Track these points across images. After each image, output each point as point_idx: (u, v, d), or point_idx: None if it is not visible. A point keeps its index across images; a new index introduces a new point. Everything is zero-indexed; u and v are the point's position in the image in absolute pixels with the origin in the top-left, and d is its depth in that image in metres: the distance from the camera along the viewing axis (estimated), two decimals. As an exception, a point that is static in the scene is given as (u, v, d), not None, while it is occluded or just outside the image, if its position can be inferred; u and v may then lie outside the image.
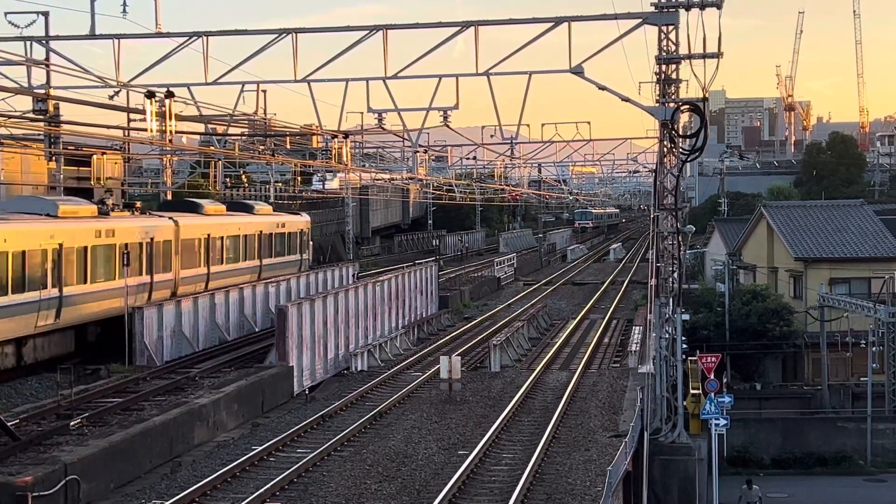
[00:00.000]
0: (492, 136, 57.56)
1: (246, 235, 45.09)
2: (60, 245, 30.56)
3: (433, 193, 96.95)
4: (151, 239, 36.45)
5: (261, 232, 46.79)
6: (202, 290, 39.17)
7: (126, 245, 34.47)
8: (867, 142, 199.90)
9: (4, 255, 27.80)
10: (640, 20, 30.15)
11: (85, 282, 31.92)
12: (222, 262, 42.58)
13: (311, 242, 55.04)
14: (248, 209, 48.23)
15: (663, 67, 30.86)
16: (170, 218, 38.73)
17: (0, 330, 27.80)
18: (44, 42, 34.23)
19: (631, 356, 38.29)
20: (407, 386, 33.36)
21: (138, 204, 40.56)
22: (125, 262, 33.68)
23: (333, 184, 77.08)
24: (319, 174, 75.75)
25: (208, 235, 41.16)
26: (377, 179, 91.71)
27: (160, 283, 36.89)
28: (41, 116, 36.05)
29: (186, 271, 39.21)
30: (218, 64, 32.86)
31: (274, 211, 52.21)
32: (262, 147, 53.00)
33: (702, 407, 31.80)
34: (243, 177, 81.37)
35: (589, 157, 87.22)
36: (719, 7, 29.72)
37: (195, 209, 42.75)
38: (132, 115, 43.36)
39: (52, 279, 30.06)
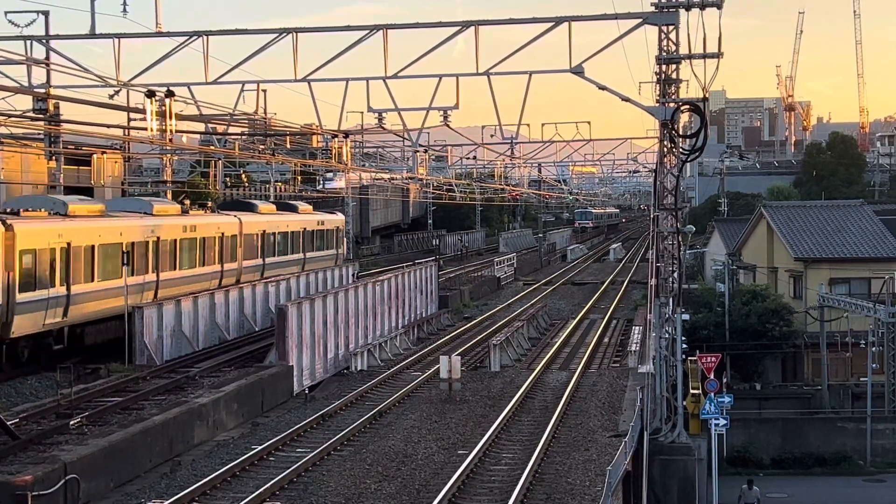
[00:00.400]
0: (492, 135, 57.56)
1: (293, 231, 50.56)
2: (158, 238, 36.65)
3: (433, 193, 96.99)
4: (222, 234, 42.38)
5: (304, 229, 52.26)
6: (258, 278, 44.41)
7: (204, 239, 40.65)
8: (867, 142, 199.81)
9: (120, 245, 34.02)
10: (640, 20, 30.15)
11: (175, 269, 38.04)
12: (274, 255, 48.11)
13: (345, 238, 61.09)
14: (293, 209, 53.72)
15: (663, 67, 30.87)
16: (234, 216, 44.55)
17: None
18: (44, 41, 34.23)
19: (631, 356, 38.30)
20: (407, 385, 33.36)
21: (210, 204, 48.12)
22: (202, 254, 40.53)
23: (340, 183, 79.41)
24: (329, 174, 77.62)
25: (263, 231, 46.76)
26: (377, 179, 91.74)
27: (228, 271, 43.01)
28: (41, 116, 36.07)
29: (247, 262, 44.97)
30: (218, 63, 32.85)
31: (313, 210, 57.74)
32: (262, 146, 53.02)
33: (701, 407, 31.80)
34: (243, 176, 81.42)
35: (589, 157, 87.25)
36: (719, 7, 29.73)
37: (252, 209, 48.09)
38: (132, 115, 43.37)
39: (151, 266, 36.14)
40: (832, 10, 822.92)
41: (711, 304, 54.45)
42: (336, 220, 58.29)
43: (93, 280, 32.26)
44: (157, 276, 36.53)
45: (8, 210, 30.67)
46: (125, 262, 33.54)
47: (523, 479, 21.69)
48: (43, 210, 31.47)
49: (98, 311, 32.53)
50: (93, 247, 32.35)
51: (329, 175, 79.47)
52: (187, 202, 43.24)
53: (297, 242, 51.22)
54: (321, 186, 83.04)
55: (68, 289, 30.79)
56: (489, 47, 29.70)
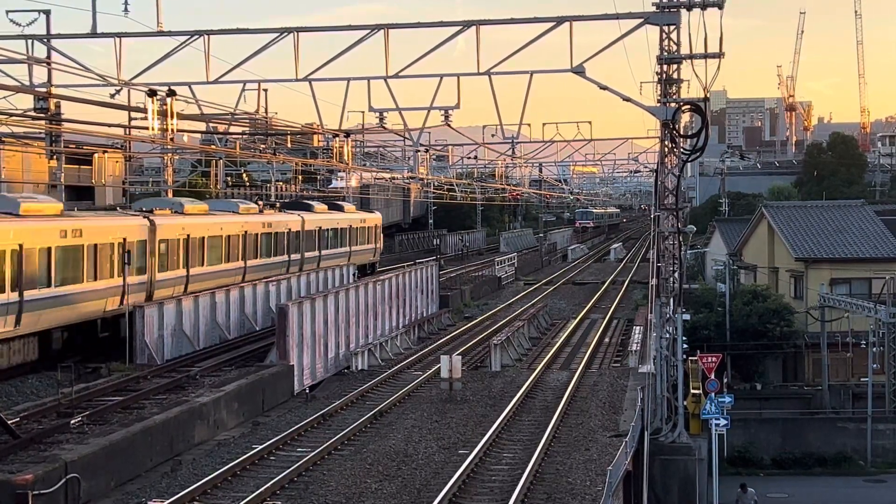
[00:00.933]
0: (493, 135, 57.53)
1: (341, 228, 58.75)
2: (246, 233, 44.21)
3: (434, 193, 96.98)
4: (289, 229, 49.88)
5: (350, 225, 60.45)
6: (316, 267, 51.46)
7: (277, 234, 48.18)
8: (868, 142, 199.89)
9: (220, 238, 41.75)
10: (641, 20, 30.15)
11: (257, 258, 45.58)
12: (328, 247, 56.00)
13: (381, 234, 68.69)
14: (340, 208, 61.22)
15: (664, 67, 30.87)
16: (298, 214, 52.21)
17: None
18: (45, 40, 34.24)
19: (631, 356, 38.29)
20: (407, 385, 33.36)
21: (277, 204, 57.93)
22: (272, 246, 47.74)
23: (351, 182, 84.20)
24: (338, 174, 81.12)
25: (320, 227, 54.87)
26: (378, 178, 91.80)
27: (294, 261, 50.48)
28: (42, 115, 36.06)
29: (308, 253, 52.79)
30: (219, 63, 32.84)
31: (356, 210, 65.75)
32: (263, 146, 53.03)
33: (702, 407, 31.80)
34: (244, 176, 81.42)
35: (590, 157, 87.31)
36: (721, 7, 29.72)
37: (310, 208, 56.04)
38: (133, 114, 43.36)
39: (241, 255, 43.66)
40: (833, 11, 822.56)
41: (712, 304, 54.46)
42: (375, 217, 66.69)
43: (203, 265, 39.97)
44: (245, 263, 44.25)
45: (143, 209, 38.67)
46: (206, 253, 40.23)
47: (524, 479, 21.70)
48: (168, 209, 39.29)
49: (206, 287, 39.00)
50: (202, 238, 40.04)
51: (340, 174, 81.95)
52: (260, 203, 51.27)
53: (345, 237, 59.23)
54: (330, 186, 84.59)
55: (188, 270, 38.65)
56: (490, 47, 29.69)
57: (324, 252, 55.04)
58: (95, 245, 32.14)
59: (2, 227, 28.00)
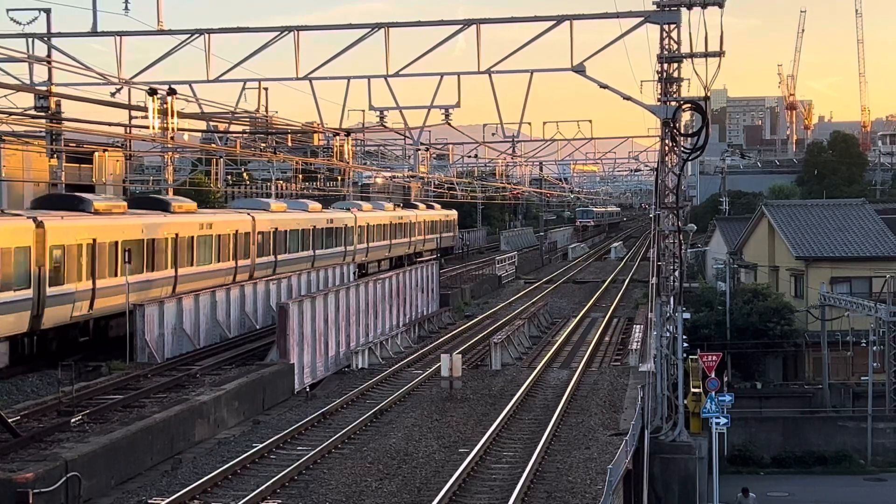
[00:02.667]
0: (493, 134, 57.50)
1: (437, 221, 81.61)
2: (313, 227, 53.67)
3: (434, 191, 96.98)
4: (409, 221, 69.90)
5: (441, 219, 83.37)
6: (424, 248, 72.03)
7: (386, 225, 66.12)
8: (869, 141, 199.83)
9: (298, 231, 50.83)
10: (641, 18, 30.14)
11: (321, 248, 55.01)
12: (431, 234, 78.66)
13: (457, 227, 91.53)
14: (432, 207, 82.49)
15: (665, 66, 30.86)
16: (414, 212, 73.14)
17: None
18: (46, 39, 34.23)
19: (632, 354, 38.30)
20: (407, 384, 33.36)
21: (401, 204, 78.45)
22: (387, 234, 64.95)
23: (378, 180, 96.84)
24: (366, 173, 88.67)
25: (424, 220, 75.10)
26: (379, 177, 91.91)
27: (413, 242, 68.88)
28: (43, 113, 36.06)
29: (419, 237, 74.67)
30: (220, 61, 32.86)
31: (440, 209, 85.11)
32: (263, 145, 53.05)
33: (702, 406, 31.83)
34: (245, 174, 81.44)
35: (590, 156, 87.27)
36: (721, 5, 29.70)
37: (416, 207, 76.42)
38: (133, 113, 43.37)
39: (311, 246, 53.02)
40: (834, 9, 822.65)
41: (712, 302, 54.47)
42: (452, 213, 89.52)
43: (286, 252, 48.66)
44: (314, 253, 53.72)
45: (241, 208, 47.48)
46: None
47: (524, 478, 21.70)
48: (257, 208, 48.17)
49: (288, 270, 46.12)
50: (286, 231, 48.54)
51: (367, 175, 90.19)
52: (391, 205, 69.11)
53: (438, 227, 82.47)
54: (359, 184, 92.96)
55: (275, 256, 47.66)
56: (490, 46, 29.68)
57: (427, 236, 78.23)
58: (219, 236, 41.55)
59: (162, 219, 37.33)
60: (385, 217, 66.49)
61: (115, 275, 33.24)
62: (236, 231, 43.12)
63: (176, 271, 37.51)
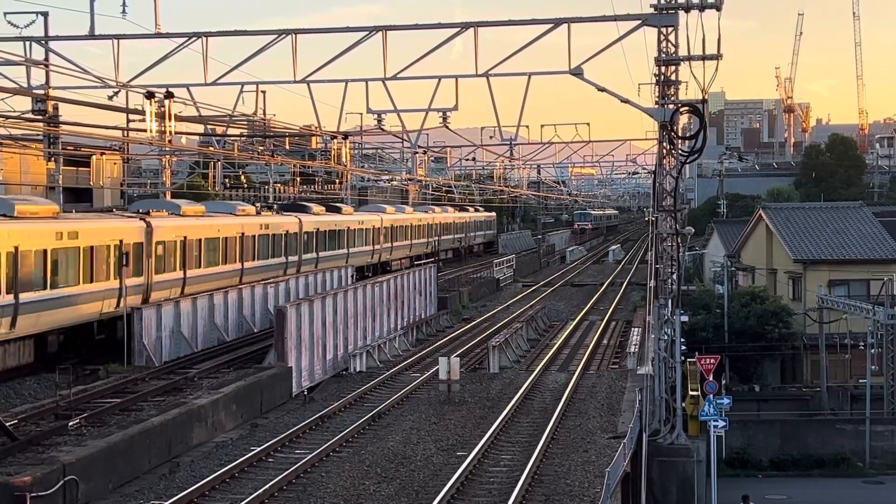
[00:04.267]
0: (491, 137, 57.60)
1: (484, 220, 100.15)
2: (381, 225, 65.04)
3: (432, 194, 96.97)
4: (465, 222, 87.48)
5: (485, 219, 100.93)
6: (474, 243, 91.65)
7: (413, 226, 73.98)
8: (866, 144, 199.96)
9: (335, 231, 56.29)
10: (639, 21, 30.13)
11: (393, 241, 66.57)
12: (479, 231, 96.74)
13: (495, 226, 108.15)
14: (465, 209, 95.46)
15: (663, 69, 30.85)
16: (468, 214, 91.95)
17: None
18: (43, 42, 34.22)
19: (630, 357, 38.30)
20: (406, 387, 33.35)
21: (470, 209, 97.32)
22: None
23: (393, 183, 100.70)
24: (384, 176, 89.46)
25: (475, 220, 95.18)
26: (376, 180, 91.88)
27: (470, 237, 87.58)
28: (40, 117, 36.05)
29: (473, 233, 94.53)
30: (217, 64, 32.97)
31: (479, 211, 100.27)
32: (261, 148, 53.07)
33: (700, 408, 31.78)
34: (242, 177, 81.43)
35: (588, 159, 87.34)
36: (719, 9, 29.71)
37: (466, 209, 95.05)
38: (131, 116, 43.34)
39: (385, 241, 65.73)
40: (831, 12, 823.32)
41: (710, 305, 54.46)
42: (491, 215, 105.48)
43: (325, 250, 54.41)
44: (390, 245, 65.20)
45: (289, 212, 52.36)
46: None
47: (522, 481, 21.69)
48: (320, 209, 56.63)
49: (328, 267, 51.40)
50: (325, 231, 54.75)
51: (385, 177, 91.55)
52: (438, 209, 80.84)
53: (484, 225, 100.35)
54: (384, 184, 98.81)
55: (317, 253, 53.08)
56: (488, 48, 29.75)
57: (477, 233, 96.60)
58: (274, 235, 47.21)
59: (231, 221, 42.85)
60: (450, 217, 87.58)
61: (199, 266, 39.08)
62: (286, 231, 49.52)
63: (242, 265, 43.36)
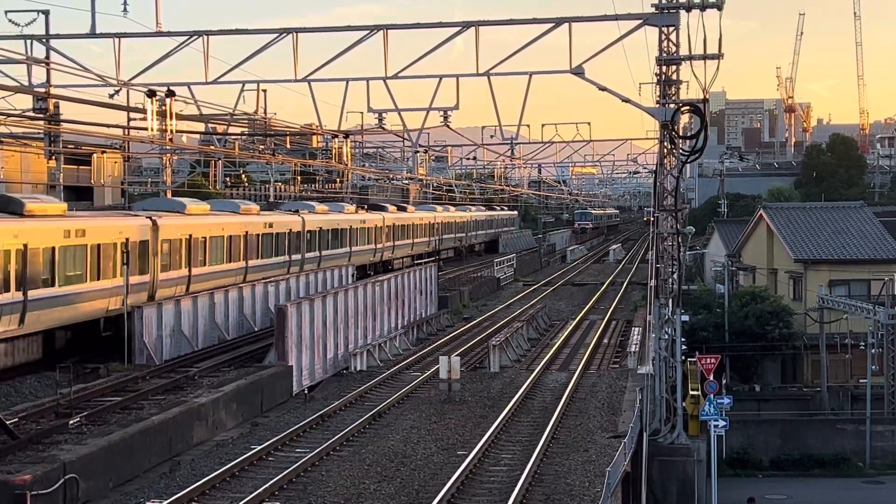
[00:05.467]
0: (492, 136, 57.61)
1: (508, 218, 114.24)
2: (438, 223, 77.33)
3: (433, 193, 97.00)
4: (485, 219, 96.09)
5: (509, 217, 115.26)
6: (503, 237, 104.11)
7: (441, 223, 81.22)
8: (867, 144, 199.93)
9: (366, 229, 61.36)
10: (640, 21, 30.13)
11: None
12: (505, 227, 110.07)
13: (517, 221, 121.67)
14: (493, 209, 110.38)
15: (664, 68, 30.85)
16: (494, 213, 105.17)
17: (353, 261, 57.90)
18: (44, 40, 34.22)
19: (630, 357, 38.29)
20: (406, 386, 33.35)
21: (497, 208, 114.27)
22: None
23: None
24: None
25: (500, 217, 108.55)
26: (377, 179, 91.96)
27: (501, 231, 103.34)
28: (41, 115, 36.06)
29: (501, 229, 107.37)
30: (218, 63, 32.84)
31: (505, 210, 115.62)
32: (262, 146, 53.07)
33: (701, 408, 31.77)
34: (243, 176, 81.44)
35: (589, 158, 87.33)
36: (720, 8, 29.71)
37: (494, 209, 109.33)
38: (132, 114, 43.36)
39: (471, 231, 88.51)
40: (832, 12, 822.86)
41: (711, 305, 54.43)
42: (513, 214, 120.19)
43: (400, 240, 64.19)
44: (439, 238, 77.75)
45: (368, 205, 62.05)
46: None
47: (522, 480, 21.69)
48: (394, 208, 67.15)
49: (361, 260, 58.75)
50: (399, 226, 65.27)
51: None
52: (473, 209, 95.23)
53: (509, 223, 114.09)
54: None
55: (350, 248, 57.60)
56: (489, 48, 29.74)
57: (504, 229, 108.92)
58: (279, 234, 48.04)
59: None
60: (483, 215, 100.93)
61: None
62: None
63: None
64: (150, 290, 35.06)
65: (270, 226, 46.85)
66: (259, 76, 36.38)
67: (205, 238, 39.32)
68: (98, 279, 31.87)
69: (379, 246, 64.67)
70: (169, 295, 35.65)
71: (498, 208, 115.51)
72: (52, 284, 29.48)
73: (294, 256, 49.95)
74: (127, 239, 33.44)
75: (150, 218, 35.61)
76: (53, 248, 29.45)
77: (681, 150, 31.20)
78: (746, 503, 33.97)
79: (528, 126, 62.38)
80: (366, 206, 69.55)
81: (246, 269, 43.56)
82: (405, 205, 79.59)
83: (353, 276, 51.79)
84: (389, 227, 66.31)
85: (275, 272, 46.17)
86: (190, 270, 37.99)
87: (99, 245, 31.84)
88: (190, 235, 38.05)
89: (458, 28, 30.62)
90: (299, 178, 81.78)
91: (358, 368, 37.34)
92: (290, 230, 49.48)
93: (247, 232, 43.70)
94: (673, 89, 30.90)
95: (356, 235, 59.92)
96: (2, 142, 44.49)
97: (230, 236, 41.89)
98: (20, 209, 29.20)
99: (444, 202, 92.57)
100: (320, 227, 53.78)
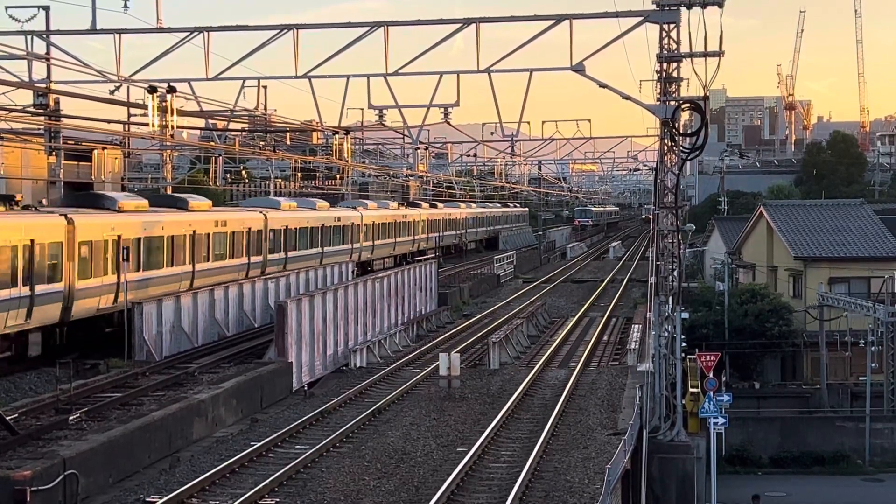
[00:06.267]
0: (492, 133, 57.52)
1: (521, 214, 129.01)
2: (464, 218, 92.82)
3: (433, 190, 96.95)
4: (493, 215, 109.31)
5: (521, 214, 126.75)
6: (514, 232, 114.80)
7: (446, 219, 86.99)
8: (867, 141, 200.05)
9: (405, 223, 70.86)
10: (641, 18, 30.12)
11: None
12: (515, 223, 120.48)
13: (527, 217, 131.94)
14: (507, 206, 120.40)
15: (664, 66, 30.85)
16: (505, 209, 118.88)
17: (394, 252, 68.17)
18: (45, 36, 34.19)
19: (630, 354, 38.30)
20: (406, 383, 33.36)
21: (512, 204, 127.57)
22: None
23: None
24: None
25: (512, 214, 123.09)
26: (377, 176, 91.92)
27: (504, 228, 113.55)
28: (42, 111, 36.01)
29: (510, 224, 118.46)
30: (219, 59, 32.79)
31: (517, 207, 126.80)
32: (262, 143, 53.03)
33: (700, 405, 31.79)
34: (243, 172, 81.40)
35: (589, 155, 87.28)
36: (721, 5, 29.67)
37: (507, 206, 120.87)
38: (132, 110, 43.30)
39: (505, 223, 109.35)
40: (833, 10, 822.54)
41: (711, 302, 54.44)
42: (524, 210, 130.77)
43: (445, 231, 75.10)
44: (465, 231, 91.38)
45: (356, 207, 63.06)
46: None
47: (522, 477, 21.69)
48: (427, 205, 77.42)
49: (403, 250, 68.20)
50: (382, 223, 65.29)
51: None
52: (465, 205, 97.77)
53: (521, 219, 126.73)
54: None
55: (373, 242, 63.14)
56: (490, 45, 29.66)
57: (515, 225, 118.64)
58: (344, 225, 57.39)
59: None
60: (500, 210, 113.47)
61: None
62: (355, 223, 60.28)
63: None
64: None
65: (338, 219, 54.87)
66: (260, 72, 36.35)
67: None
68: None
69: (418, 237, 75.49)
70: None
71: (511, 205, 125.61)
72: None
73: (355, 245, 58.48)
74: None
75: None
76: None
77: (681, 148, 31.20)
78: (751, 501, 33.98)
79: (529, 123, 62.30)
80: (405, 203, 79.29)
81: (286, 260, 47.12)
82: (436, 202, 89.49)
83: (352, 272, 51.80)
84: (425, 221, 76.18)
85: (340, 257, 53.96)
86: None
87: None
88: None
89: (458, 25, 30.61)
90: (300, 174, 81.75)
91: (358, 365, 37.35)
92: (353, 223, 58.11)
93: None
94: (673, 86, 30.90)
95: (400, 228, 69.64)
96: (2, 137, 44.42)
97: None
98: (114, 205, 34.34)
99: (465, 199, 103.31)
100: (373, 221, 63.23)
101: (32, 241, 28.93)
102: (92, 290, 32.16)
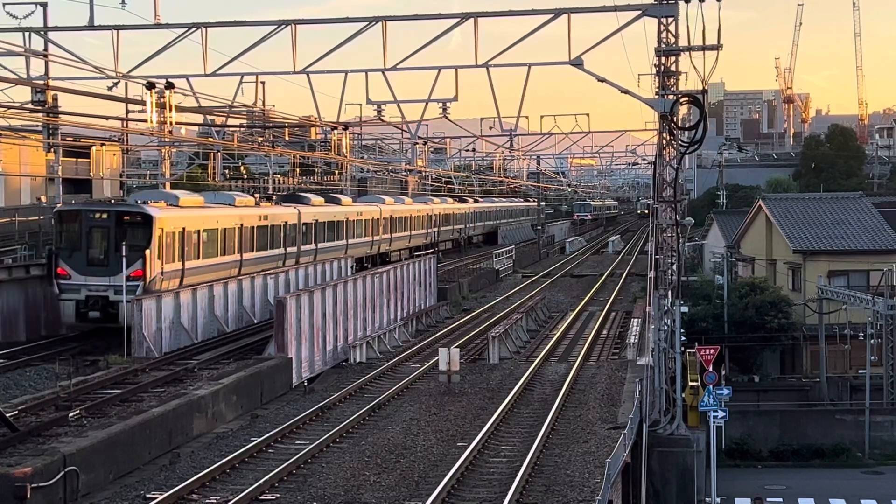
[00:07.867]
0: (491, 127, 57.64)
1: (528, 208, 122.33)
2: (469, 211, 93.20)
3: (432, 185, 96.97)
4: (493, 210, 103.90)
5: (527, 209, 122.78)
6: (513, 226, 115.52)
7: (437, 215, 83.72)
8: (866, 134, 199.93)
9: (426, 218, 74.09)
10: (639, 12, 30.15)
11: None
12: (518, 216, 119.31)
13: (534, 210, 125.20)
14: (515, 200, 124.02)
15: (663, 59, 30.86)
16: (498, 203, 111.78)
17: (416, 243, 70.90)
18: (42, 33, 34.19)
19: (629, 348, 38.31)
20: (406, 378, 33.36)
21: (525, 199, 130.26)
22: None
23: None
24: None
25: (519, 208, 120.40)
26: (376, 171, 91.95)
27: (504, 224, 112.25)
28: (40, 107, 36.02)
29: (512, 219, 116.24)
30: (217, 55, 32.84)
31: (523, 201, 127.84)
32: (260, 139, 53.06)
33: (700, 399, 31.83)
34: (242, 168, 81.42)
35: (588, 150, 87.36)
36: (719, -1, 29.69)
37: (517, 200, 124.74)
38: (130, 107, 43.31)
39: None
40: (831, 3, 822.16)
41: (710, 296, 54.47)
42: (532, 204, 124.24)
43: (396, 232, 65.90)
44: (481, 224, 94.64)
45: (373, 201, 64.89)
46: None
47: (522, 471, 21.70)
48: (448, 201, 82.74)
49: (447, 237, 78.27)
50: (399, 217, 67.19)
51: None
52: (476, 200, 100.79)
53: (532, 212, 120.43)
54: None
55: (390, 235, 64.27)
56: (488, 39, 29.76)
57: (521, 219, 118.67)
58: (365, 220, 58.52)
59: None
60: (512, 205, 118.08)
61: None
62: (415, 215, 68.62)
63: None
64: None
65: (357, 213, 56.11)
66: (258, 68, 36.30)
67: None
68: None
69: (460, 227, 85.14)
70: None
71: (522, 199, 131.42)
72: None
73: (375, 238, 61.04)
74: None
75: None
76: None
77: (680, 142, 31.19)
78: (753, 503, 33.99)
79: (527, 117, 62.28)
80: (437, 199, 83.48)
81: (347, 246, 52.58)
82: (468, 197, 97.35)
83: (352, 267, 51.79)
84: (438, 215, 79.04)
85: (362, 249, 57.69)
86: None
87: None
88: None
89: (456, 19, 30.64)
90: (298, 169, 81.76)
91: (357, 360, 37.36)
92: (373, 218, 60.11)
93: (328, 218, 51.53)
94: (672, 80, 30.92)
95: (415, 222, 72.76)
96: (1, 134, 44.43)
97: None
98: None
99: (489, 195, 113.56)
100: (391, 215, 65.02)
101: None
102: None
